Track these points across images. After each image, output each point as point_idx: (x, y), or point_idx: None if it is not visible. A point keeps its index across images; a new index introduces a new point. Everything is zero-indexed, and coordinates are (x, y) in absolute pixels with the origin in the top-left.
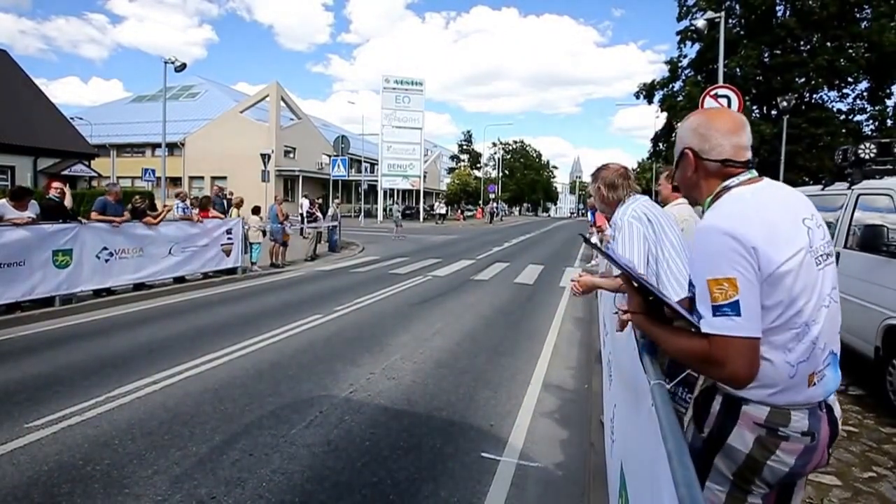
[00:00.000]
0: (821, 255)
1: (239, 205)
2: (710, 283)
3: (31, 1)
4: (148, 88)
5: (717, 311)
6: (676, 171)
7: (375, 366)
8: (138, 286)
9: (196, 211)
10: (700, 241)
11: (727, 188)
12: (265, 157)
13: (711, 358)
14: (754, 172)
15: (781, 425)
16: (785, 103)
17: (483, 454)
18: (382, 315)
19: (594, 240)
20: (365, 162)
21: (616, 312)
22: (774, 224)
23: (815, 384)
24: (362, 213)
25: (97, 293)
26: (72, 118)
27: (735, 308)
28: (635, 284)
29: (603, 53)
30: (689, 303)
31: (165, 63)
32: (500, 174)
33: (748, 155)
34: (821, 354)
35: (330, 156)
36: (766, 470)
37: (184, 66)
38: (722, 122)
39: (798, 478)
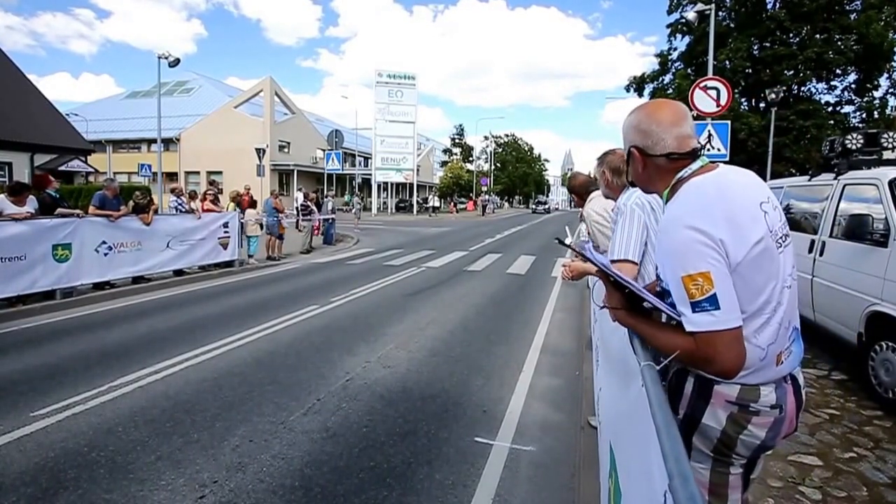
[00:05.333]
0: (780, 238)
1: (235, 199)
2: (684, 280)
3: None
4: (139, 84)
5: (696, 307)
6: (629, 169)
7: (371, 355)
8: (137, 279)
9: (199, 203)
10: (666, 236)
11: (682, 180)
12: (260, 152)
13: (700, 355)
14: (705, 160)
15: (752, 401)
16: (773, 96)
17: (477, 439)
18: (377, 305)
19: (568, 240)
20: (359, 156)
21: (603, 307)
22: (737, 214)
23: (782, 362)
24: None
25: (97, 286)
26: (67, 114)
27: (713, 302)
28: (611, 280)
29: (592, 46)
30: (658, 291)
31: (159, 58)
32: (493, 167)
33: (693, 144)
34: (786, 333)
35: (324, 150)
36: (740, 444)
37: (177, 61)
38: (662, 116)
39: (767, 450)
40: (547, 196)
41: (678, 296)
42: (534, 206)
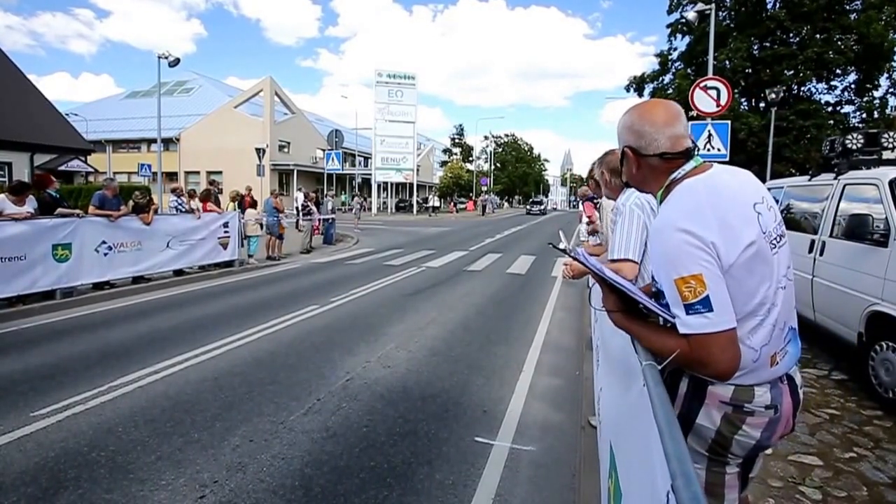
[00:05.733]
0: (774, 238)
1: (236, 198)
2: (677, 282)
3: None
4: (139, 83)
5: (689, 309)
6: (623, 169)
7: (371, 354)
8: (137, 279)
9: (199, 203)
10: (659, 239)
11: (675, 181)
12: (260, 152)
13: (695, 358)
14: (699, 160)
15: (746, 401)
16: (773, 96)
17: (477, 438)
18: (378, 305)
19: (561, 245)
20: (359, 156)
21: (601, 310)
22: (729, 216)
23: (777, 363)
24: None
25: (97, 286)
26: (67, 114)
27: (706, 304)
28: (607, 282)
29: (591, 46)
30: (653, 292)
31: (159, 58)
32: (492, 167)
33: (687, 143)
34: (780, 334)
35: (324, 150)
36: (735, 444)
37: (177, 60)
38: (655, 116)
39: (763, 450)
40: (546, 196)
41: (672, 298)
42: (528, 207)
